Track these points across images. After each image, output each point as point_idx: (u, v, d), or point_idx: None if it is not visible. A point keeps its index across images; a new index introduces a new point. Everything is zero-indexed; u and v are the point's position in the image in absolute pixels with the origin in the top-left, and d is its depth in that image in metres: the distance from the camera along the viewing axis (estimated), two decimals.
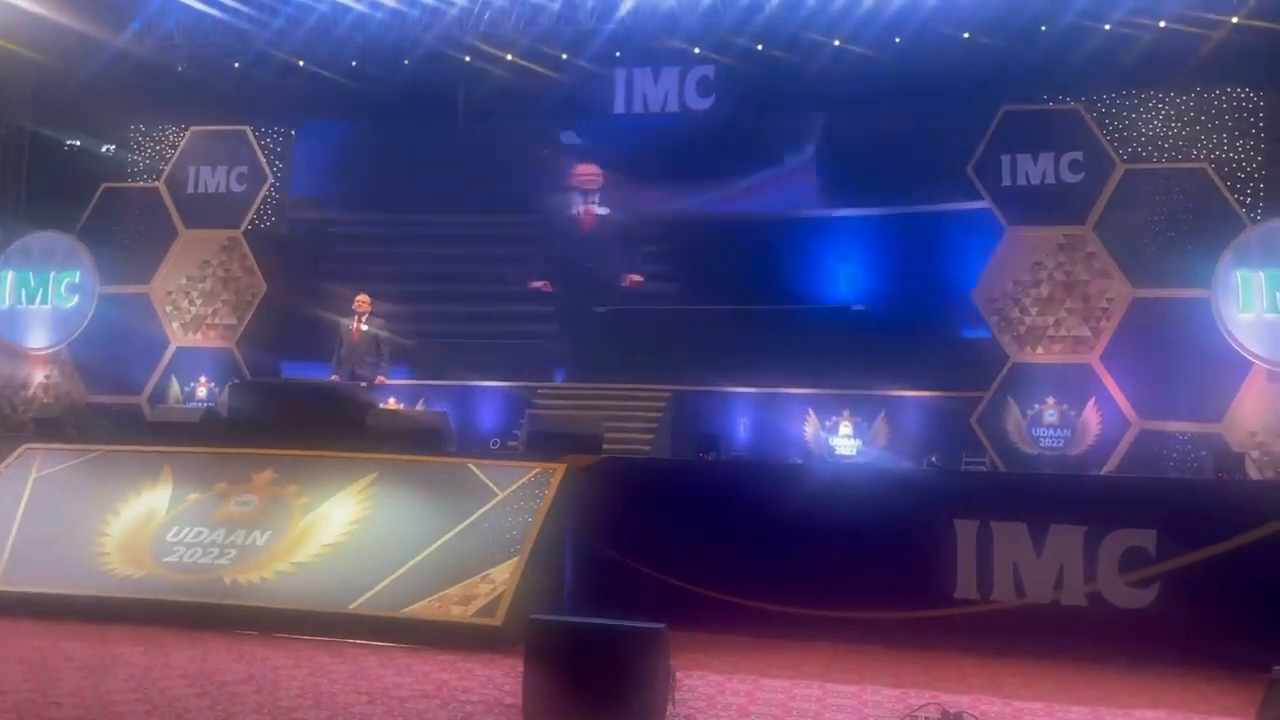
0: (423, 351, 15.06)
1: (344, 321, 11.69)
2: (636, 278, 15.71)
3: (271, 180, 15.96)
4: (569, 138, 16.40)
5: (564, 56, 15.64)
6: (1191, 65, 13.14)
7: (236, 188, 16.02)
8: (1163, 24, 13.21)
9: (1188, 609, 6.63)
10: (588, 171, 15.92)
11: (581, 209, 15.91)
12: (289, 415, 8.96)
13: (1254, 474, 11.24)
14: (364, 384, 11.11)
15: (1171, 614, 6.65)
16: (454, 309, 15.86)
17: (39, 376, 15.95)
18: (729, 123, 15.68)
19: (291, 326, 16.07)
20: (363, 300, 11.71)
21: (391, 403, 12.20)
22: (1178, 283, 12.87)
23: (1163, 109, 13.39)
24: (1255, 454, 11.98)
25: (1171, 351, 12.73)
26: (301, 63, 15.94)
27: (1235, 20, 12.96)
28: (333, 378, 11.46)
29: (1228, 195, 12.89)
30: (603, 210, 15.85)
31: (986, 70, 14.02)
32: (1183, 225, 13.02)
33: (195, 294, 15.82)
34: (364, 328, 11.48)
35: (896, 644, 6.86)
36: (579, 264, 15.92)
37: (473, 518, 7.44)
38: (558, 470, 7.72)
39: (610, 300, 15.66)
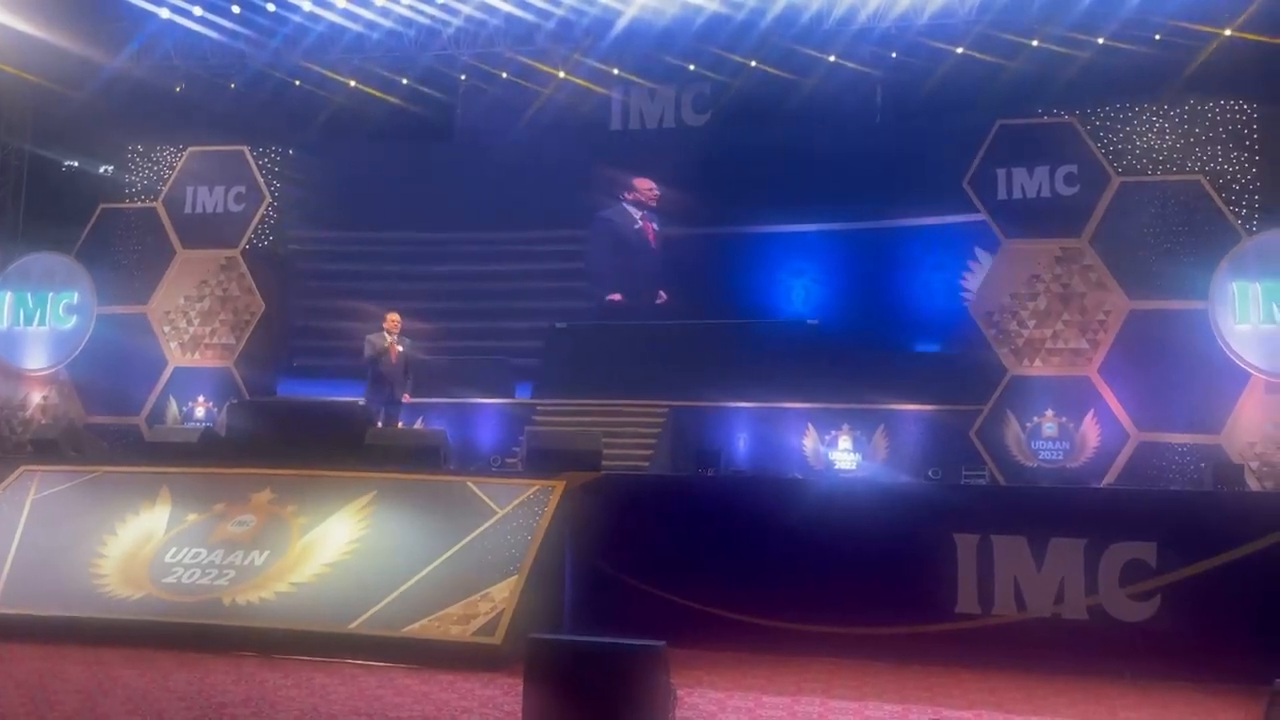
0: (422, 369, 15.07)
1: (373, 340, 11.26)
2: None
3: (269, 199, 15.99)
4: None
5: (561, 74, 15.72)
6: (1185, 77, 13.22)
7: (234, 207, 16.04)
8: (1157, 36, 13.28)
9: (1189, 621, 6.62)
10: (646, 185, 16.03)
11: (641, 224, 16.01)
12: (287, 435, 8.96)
13: (1254, 485, 11.22)
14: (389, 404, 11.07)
15: (1173, 626, 6.64)
16: (453, 325, 15.84)
17: (37, 397, 15.94)
18: (723, 138, 15.77)
19: (289, 346, 16.09)
20: (394, 319, 11.33)
21: None
22: (1174, 294, 12.88)
23: (1157, 121, 13.43)
24: (1255, 465, 11.97)
25: (1169, 363, 12.73)
26: (298, 83, 16.01)
27: (1228, 32, 13.04)
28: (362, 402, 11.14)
29: (1223, 207, 12.91)
30: (656, 225, 16.00)
31: (981, 85, 14.10)
32: (1179, 237, 13.03)
33: (193, 314, 15.82)
34: (399, 348, 11.23)
35: (898, 659, 6.84)
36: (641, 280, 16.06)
37: (472, 536, 7.43)
38: (557, 487, 7.71)
39: (638, 316, 15.77)
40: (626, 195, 16.11)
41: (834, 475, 13.35)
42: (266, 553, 7.57)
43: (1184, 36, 13.15)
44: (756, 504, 7.73)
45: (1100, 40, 13.48)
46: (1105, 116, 13.60)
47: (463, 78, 16.07)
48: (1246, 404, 12.45)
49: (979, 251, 14.46)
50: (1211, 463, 10.67)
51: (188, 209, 16.14)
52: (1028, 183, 13.69)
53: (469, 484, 8.02)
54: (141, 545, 7.82)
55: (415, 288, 15.93)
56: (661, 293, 15.85)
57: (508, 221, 16.22)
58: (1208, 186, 13.02)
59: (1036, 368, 13.37)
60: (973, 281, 14.46)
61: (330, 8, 15.02)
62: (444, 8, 15.09)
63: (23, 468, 8.91)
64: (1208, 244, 12.82)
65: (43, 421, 15.13)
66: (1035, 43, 13.82)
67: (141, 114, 16.14)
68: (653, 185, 16.02)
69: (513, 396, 14.91)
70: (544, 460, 8.32)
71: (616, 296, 15.89)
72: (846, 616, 7.06)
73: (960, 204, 14.15)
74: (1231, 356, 12.52)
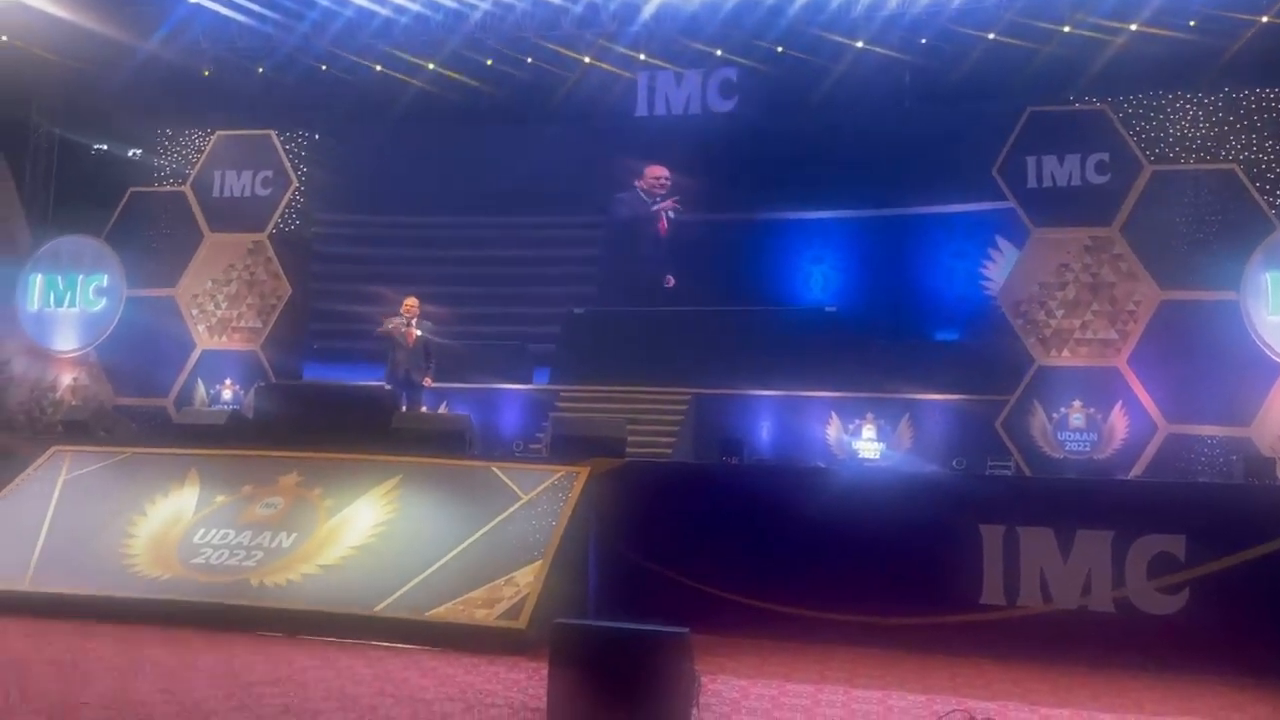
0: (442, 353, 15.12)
1: (390, 324, 11.41)
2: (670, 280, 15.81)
3: (296, 184, 16.07)
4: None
5: (587, 60, 15.66)
6: (1220, 65, 12.99)
7: (262, 191, 16.13)
8: (1192, 23, 13.07)
9: (1218, 615, 6.57)
10: (655, 173, 15.97)
11: (654, 209, 15.98)
12: (314, 418, 9.03)
13: None
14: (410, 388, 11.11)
15: (1201, 620, 6.59)
16: (474, 311, 15.84)
17: (67, 379, 16.11)
18: (749, 124, 15.67)
19: (310, 329, 16.15)
20: (411, 304, 11.51)
21: None
22: (1206, 285, 12.71)
23: (1190, 109, 13.23)
24: None
25: (1200, 354, 12.57)
26: (325, 67, 16.03)
27: (1265, 19, 12.81)
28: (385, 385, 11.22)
29: (1257, 197, 12.73)
30: (672, 213, 15.92)
31: (1011, 71, 13.93)
32: (1211, 226, 12.85)
33: (221, 297, 15.94)
34: (417, 332, 11.37)
35: (922, 649, 6.83)
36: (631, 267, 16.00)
37: (496, 521, 7.47)
38: (581, 474, 7.74)
39: (647, 302, 15.71)
40: (637, 181, 16.06)
41: (858, 464, 13.31)
42: (294, 535, 7.64)
43: (1220, 24, 12.91)
44: (780, 493, 7.73)
45: (1134, 27, 13.27)
46: (1138, 104, 13.41)
47: (489, 63, 16.03)
48: (1278, 396, 12.29)
49: (1000, 240, 14.34)
50: (1242, 455, 10.55)
51: (216, 193, 16.24)
52: (1058, 170, 13.53)
53: (494, 469, 8.06)
54: (170, 526, 7.92)
55: (436, 272, 15.89)
56: (670, 278, 15.78)
57: (530, 206, 16.17)
58: (1242, 176, 12.82)
59: (1064, 358, 13.25)
60: (994, 270, 14.35)
61: None
62: None
63: (54, 448, 9.03)
64: (1241, 234, 12.64)
65: (73, 403, 15.29)
66: (1067, 29, 13.61)
67: (171, 98, 16.21)
68: (662, 174, 15.92)
69: (530, 382, 14.95)
70: (568, 446, 8.35)
71: (670, 281, 15.86)
72: (870, 606, 7.05)
73: (984, 191, 14.02)
74: (1263, 348, 12.36)
